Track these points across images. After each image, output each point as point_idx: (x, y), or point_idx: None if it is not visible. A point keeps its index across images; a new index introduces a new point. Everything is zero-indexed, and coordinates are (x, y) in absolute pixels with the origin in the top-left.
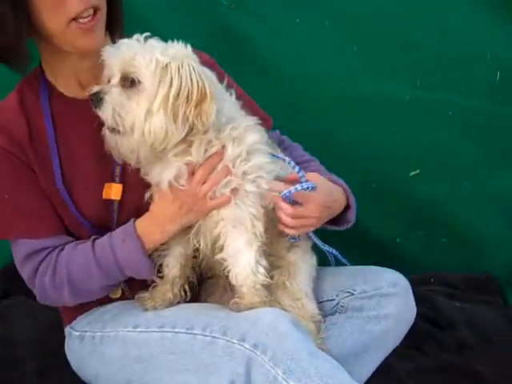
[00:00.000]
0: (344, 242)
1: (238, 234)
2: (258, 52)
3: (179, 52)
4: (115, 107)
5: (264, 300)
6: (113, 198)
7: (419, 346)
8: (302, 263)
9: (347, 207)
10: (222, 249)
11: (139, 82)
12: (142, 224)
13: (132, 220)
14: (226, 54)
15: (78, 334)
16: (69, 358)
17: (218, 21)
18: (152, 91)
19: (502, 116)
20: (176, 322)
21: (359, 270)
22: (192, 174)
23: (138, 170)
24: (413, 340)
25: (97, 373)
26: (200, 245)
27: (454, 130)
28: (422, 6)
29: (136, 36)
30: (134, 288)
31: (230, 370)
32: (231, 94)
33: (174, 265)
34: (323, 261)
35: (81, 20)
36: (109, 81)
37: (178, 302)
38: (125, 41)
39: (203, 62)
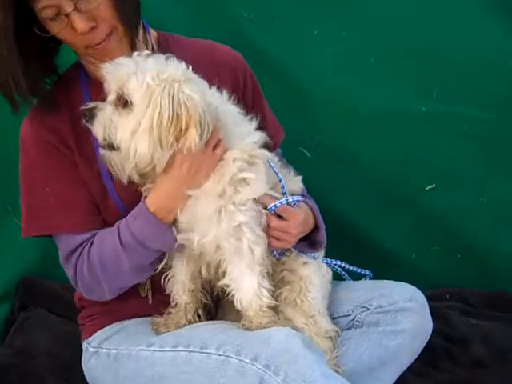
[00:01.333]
0: (358, 257)
1: (238, 260)
2: (275, 63)
3: (172, 75)
4: (105, 124)
5: (273, 320)
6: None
7: (434, 363)
8: (314, 277)
9: (315, 228)
10: (224, 274)
11: (131, 102)
12: (150, 198)
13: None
14: None
15: (94, 350)
16: (85, 372)
17: (236, 31)
18: (140, 113)
19: None
20: (190, 341)
21: (375, 284)
22: None
23: None
24: (428, 356)
25: None
26: (202, 272)
27: (469, 143)
28: (441, 18)
29: (136, 54)
30: (156, 291)
31: None
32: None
33: (182, 291)
34: (337, 275)
35: (97, 46)
36: (105, 99)
37: None
38: (123, 60)
39: (234, 65)
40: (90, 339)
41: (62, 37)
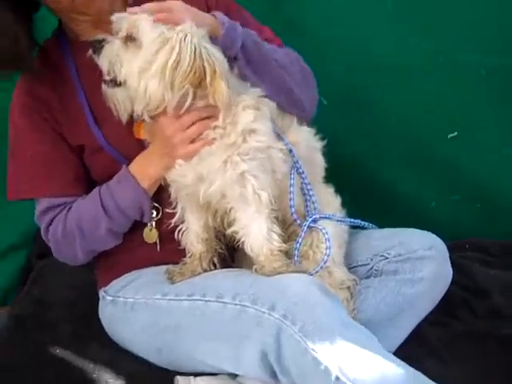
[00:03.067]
0: (379, 208)
1: (245, 206)
2: (295, 15)
3: (190, 29)
4: (112, 57)
5: (285, 263)
6: (143, 137)
7: (452, 313)
8: (328, 227)
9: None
10: (232, 222)
11: (138, 39)
12: (135, 163)
13: (124, 169)
14: (270, 19)
15: (111, 298)
16: (102, 320)
17: None
18: (149, 53)
19: None
20: (206, 290)
21: (394, 232)
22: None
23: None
24: (446, 307)
25: (129, 338)
26: (209, 222)
27: (486, 90)
28: None
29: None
30: (165, 240)
31: (260, 340)
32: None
33: (196, 241)
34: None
35: None
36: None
37: None
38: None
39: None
40: (107, 287)
41: None
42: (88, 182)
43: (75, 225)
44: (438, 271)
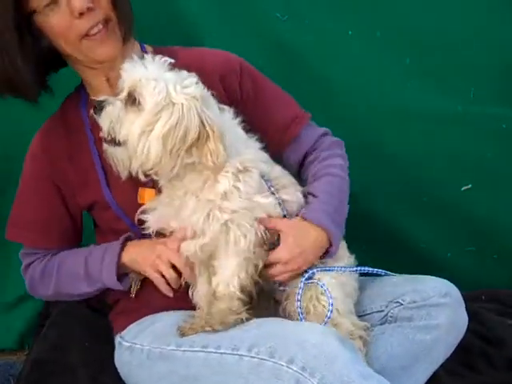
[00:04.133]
0: (394, 257)
1: (226, 248)
2: (310, 63)
3: (192, 92)
4: (113, 118)
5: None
6: (145, 203)
7: (470, 363)
8: (325, 278)
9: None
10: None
11: (140, 102)
12: (127, 253)
13: (120, 247)
14: (278, 64)
15: (128, 344)
16: (118, 366)
17: (270, 33)
18: (149, 116)
19: None
20: (220, 341)
21: (408, 279)
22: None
23: None
24: (463, 356)
25: None
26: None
27: (507, 144)
28: (477, 17)
29: (158, 58)
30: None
31: None
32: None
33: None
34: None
35: (92, 36)
36: (118, 94)
37: None
38: (141, 61)
39: (223, 73)
40: (124, 333)
41: (57, 28)
42: (72, 234)
43: (55, 275)
44: (453, 318)
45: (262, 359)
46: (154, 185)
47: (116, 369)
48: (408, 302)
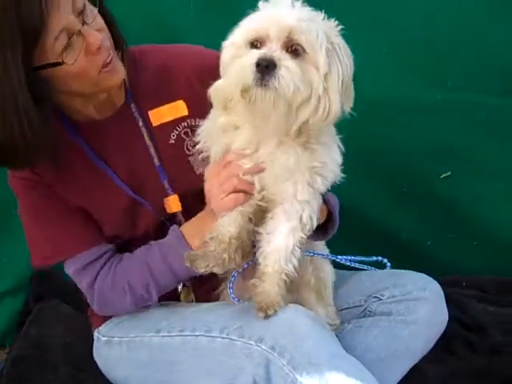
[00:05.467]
0: (374, 246)
1: (285, 219)
2: None
3: (336, 29)
4: (295, 77)
5: (282, 293)
6: (175, 210)
7: (451, 349)
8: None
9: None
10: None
11: (306, 52)
12: (188, 223)
13: (177, 231)
14: None
15: (105, 339)
16: (97, 361)
17: None
18: (325, 67)
19: None
20: (195, 324)
21: (388, 273)
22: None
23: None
24: (444, 343)
25: (126, 377)
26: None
27: (485, 131)
28: (456, 6)
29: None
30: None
31: (252, 371)
32: None
33: (228, 223)
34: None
35: (108, 65)
36: (255, 45)
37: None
38: (279, 4)
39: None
40: (101, 328)
41: (76, 69)
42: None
43: (126, 284)
44: (432, 313)
45: (232, 339)
46: (175, 191)
47: (96, 365)
48: (387, 296)
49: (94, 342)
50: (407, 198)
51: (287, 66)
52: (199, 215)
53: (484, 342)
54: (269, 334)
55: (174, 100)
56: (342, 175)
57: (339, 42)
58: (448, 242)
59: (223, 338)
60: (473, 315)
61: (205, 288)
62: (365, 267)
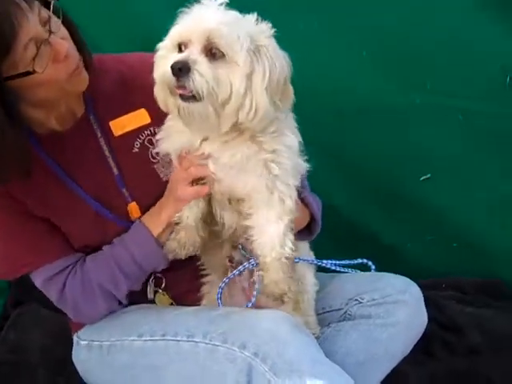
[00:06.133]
0: (354, 248)
1: (269, 208)
2: None
3: (267, 31)
4: (208, 78)
5: (289, 276)
6: (136, 216)
7: (430, 351)
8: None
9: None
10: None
11: (226, 55)
12: (147, 213)
13: (138, 223)
14: None
15: (85, 343)
16: (77, 366)
17: None
18: (246, 68)
19: None
20: (177, 329)
21: (368, 277)
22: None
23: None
24: (423, 345)
25: (106, 381)
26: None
27: (464, 134)
28: (434, 10)
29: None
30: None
31: (235, 376)
32: None
33: (190, 212)
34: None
35: (77, 70)
36: (180, 48)
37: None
38: (207, 5)
39: None
40: (80, 332)
41: (46, 75)
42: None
43: (96, 284)
44: (412, 316)
45: (215, 345)
46: (134, 199)
47: (75, 369)
48: (367, 300)
49: (74, 346)
50: (387, 201)
51: (199, 69)
52: (158, 203)
53: (462, 343)
54: (252, 340)
55: (135, 109)
56: (307, 165)
57: (268, 43)
58: (427, 244)
59: (206, 343)
60: (451, 316)
61: (180, 290)
62: (349, 270)
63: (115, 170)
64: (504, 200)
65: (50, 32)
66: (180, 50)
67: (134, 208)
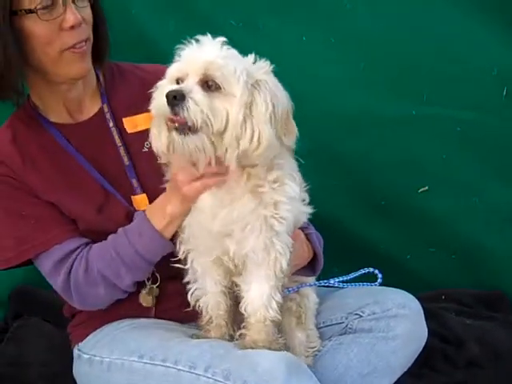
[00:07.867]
0: (354, 260)
1: (261, 267)
2: None
3: (265, 67)
4: (203, 108)
5: (270, 339)
6: (143, 208)
7: (430, 363)
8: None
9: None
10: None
11: (222, 86)
12: (151, 205)
13: (142, 213)
14: None
15: (87, 357)
16: (77, 379)
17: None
18: (244, 98)
19: (510, 131)
20: (179, 357)
21: (369, 291)
22: None
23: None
24: (424, 357)
25: None
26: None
27: (462, 145)
28: (431, 23)
29: (207, 38)
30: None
31: None
32: None
33: (218, 308)
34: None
35: (76, 50)
36: (178, 81)
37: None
38: (205, 42)
39: None
40: (82, 345)
41: (43, 34)
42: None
43: (97, 273)
44: (412, 329)
45: (217, 381)
46: (143, 190)
47: (75, 382)
48: (368, 314)
49: (74, 359)
50: (386, 213)
51: (194, 97)
52: (162, 196)
53: (462, 355)
54: (253, 379)
55: (149, 111)
56: (309, 210)
57: (267, 78)
58: (427, 255)
59: (208, 377)
60: (451, 328)
61: (170, 305)
62: (358, 284)
63: (126, 160)
64: (503, 211)
65: (74, 1)
66: (178, 84)
67: (141, 199)
